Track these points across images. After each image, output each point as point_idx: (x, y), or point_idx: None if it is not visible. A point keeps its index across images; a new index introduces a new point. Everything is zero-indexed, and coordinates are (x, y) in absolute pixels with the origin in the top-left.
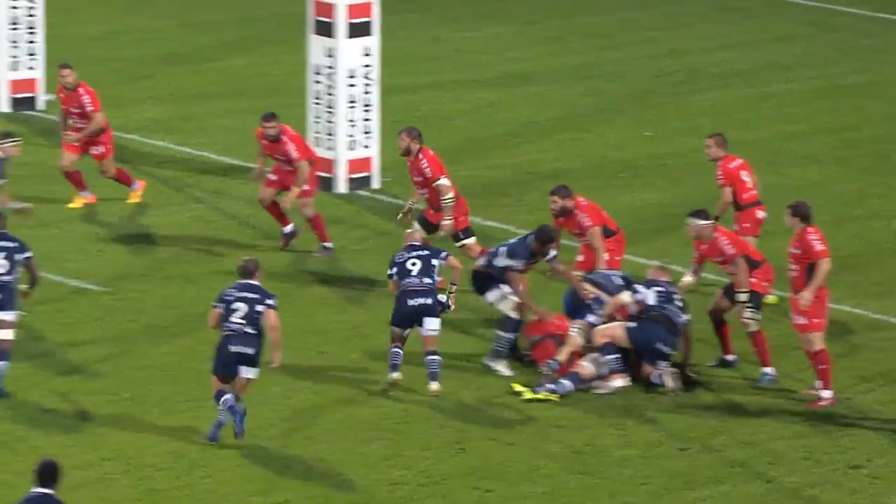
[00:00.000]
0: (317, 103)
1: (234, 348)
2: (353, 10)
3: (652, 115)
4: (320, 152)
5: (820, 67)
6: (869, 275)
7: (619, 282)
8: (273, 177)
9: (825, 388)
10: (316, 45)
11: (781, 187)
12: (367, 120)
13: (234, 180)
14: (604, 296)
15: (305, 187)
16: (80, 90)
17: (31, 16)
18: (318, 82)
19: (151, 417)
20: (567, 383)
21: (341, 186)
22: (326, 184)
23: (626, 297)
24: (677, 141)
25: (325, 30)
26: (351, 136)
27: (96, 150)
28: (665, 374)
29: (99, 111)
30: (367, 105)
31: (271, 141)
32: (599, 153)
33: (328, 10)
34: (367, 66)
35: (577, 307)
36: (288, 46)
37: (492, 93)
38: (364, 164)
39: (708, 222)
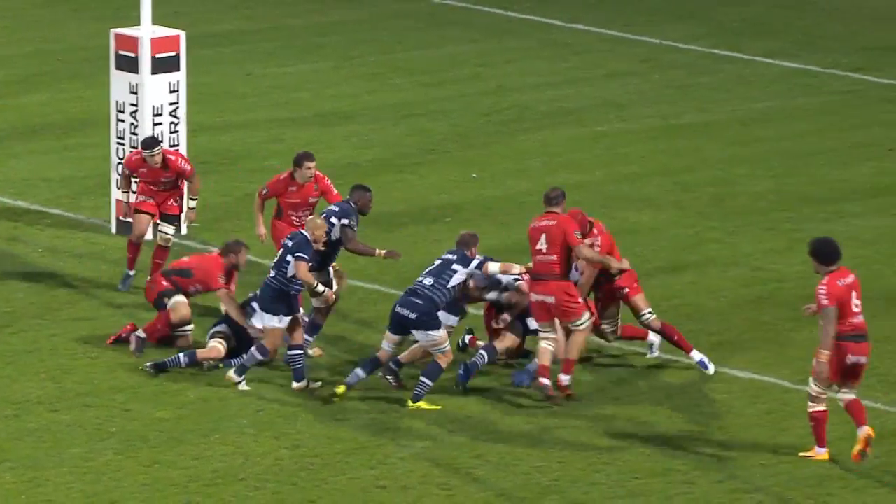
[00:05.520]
0: (120, 142)
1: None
2: (158, 43)
3: (479, 156)
4: (122, 195)
5: (655, 106)
6: (706, 325)
7: None
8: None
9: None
10: (119, 81)
11: (615, 232)
12: None
13: (31, 226)
14: None
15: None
16: None
17: None
18: (121, 121)
19: None
20: None
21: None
22: (129, 227)
23: None
24: (507, 183)
25: (129, 65)
26: None
27: None
28: None
29: None
30: (173, 145)
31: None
32: (423, 196)
33: (132, 43)
34: (173, 103)
35: None
36: (88, 82)
37: (308, 132)
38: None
39: None
